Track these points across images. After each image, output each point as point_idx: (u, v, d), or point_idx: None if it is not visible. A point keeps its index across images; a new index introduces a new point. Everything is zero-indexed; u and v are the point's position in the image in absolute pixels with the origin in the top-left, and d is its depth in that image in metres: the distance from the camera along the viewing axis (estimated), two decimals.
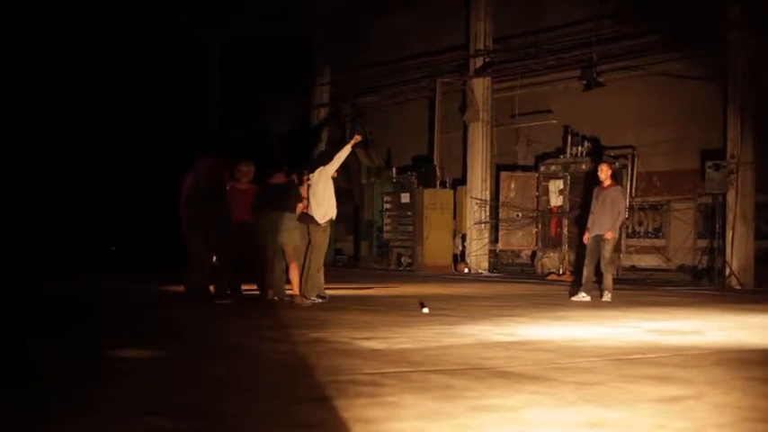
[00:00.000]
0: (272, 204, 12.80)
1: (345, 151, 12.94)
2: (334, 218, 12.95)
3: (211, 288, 12.77)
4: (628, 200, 21.52)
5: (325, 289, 13.04)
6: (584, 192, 21.20)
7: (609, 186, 14.19)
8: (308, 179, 13.15)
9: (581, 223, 16.40)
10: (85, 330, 9.09)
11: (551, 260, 22.34)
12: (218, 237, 12.62)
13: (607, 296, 13.86)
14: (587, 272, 14.15)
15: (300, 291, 12.56)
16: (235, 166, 13.35)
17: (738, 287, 18.48)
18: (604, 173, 14.24)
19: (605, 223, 13.95)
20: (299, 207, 12.97)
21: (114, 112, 27.35)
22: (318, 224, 12.77)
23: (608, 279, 14.04)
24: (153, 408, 4.87)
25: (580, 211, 19.22)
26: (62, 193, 25.63)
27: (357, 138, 13.52)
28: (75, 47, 26.61)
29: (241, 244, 12.86)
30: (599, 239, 13.97)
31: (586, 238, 14.29)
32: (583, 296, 13.85)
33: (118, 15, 26.92)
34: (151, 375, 6.15)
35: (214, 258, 12.80)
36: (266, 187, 13.04)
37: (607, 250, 13.96)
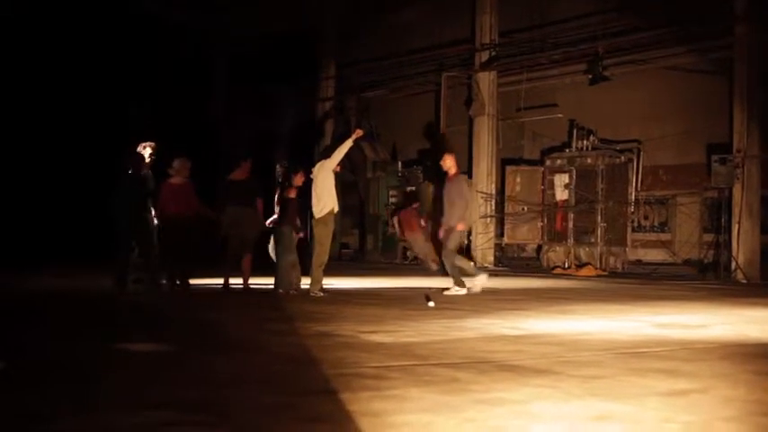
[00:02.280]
0: (234, 200, 13.17)
1: (346, 146, 12.97)
2: (335, 211, 12.96)
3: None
4: (634, 194, 21.57)
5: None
6: (589, 186, 21.23)
7: (452, 177, 13.79)
8: (310, 173, 13.26)
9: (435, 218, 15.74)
10: (90, 325, 9.10)
11: (557, 254, 22.33)
12: (140, 229, 13.16)
13: (456, 290, 13.43)
14: (463, 263, 13.89)
15: (246, 281, 13.41)
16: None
17: (744, 281, 18.46)
18: (447, 163, 13.85)
19: (452, 215, 13.56)
20: (259, 203, 13.60)
21: (117, 109, 27.30)
22: (316, 218, 12.87)
23: (452, 272, 13.60)
24: (160, 401, 4.86)
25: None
26: (64, 189, 25.61)
27: (358, 132, 13.48)
28: (76, 44, 26.58)
29: (171, 236, 13.33)
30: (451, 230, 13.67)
31: (441, 233, 13.92)
32: (477, 281, 13.60)
33: (119, 10, 26.87)
34: (157, 369, 6.15)
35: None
36: (228, 183, 13.43)
37: (451, 240, 13.60)
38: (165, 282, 13.33)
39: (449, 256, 13.63)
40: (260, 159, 14.58)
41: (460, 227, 13.63)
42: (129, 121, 26.41)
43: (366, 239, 26.78)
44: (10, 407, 4.75)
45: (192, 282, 13.63)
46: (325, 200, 12.78)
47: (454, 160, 13.94)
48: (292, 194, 13.41)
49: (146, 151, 13.56)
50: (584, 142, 22.08)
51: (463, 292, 13.41)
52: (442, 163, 13.99)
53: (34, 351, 6.98)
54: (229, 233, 13.45)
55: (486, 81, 24.16)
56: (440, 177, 14.26)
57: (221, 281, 13.54)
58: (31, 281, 15.26)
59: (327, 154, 13.42)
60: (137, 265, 13.69)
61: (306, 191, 13.41)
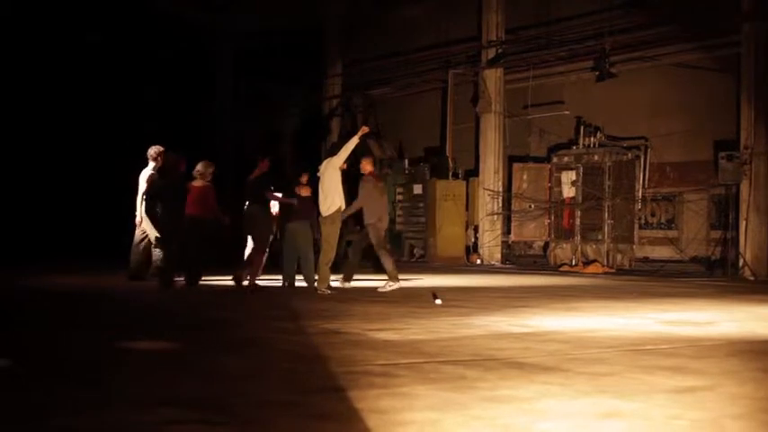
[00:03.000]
0: (250, 199, 13.71)
1: (353, 143, 12.97)
2: (342, 209, 12.97)
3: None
4: (641, 191, 21.57)
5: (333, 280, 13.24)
6: (595, 183, 21.20)
7: (364, 177, 13.91)
8: (317, 171, 13.33)
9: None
10: (97, 323, 9.11)
11: (564, 251, 22.31)
12: (170, 229, 13.34)
13: (387, 286, 13.48)
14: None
15: (252, 278, 13.27)
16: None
17: (752, 278, 18.42)
18: (363, 166, 14.02)
19: (367, 214, 13.70)
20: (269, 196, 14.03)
21: (122, 108, 27.31)
22: (323, 216, 12.90)
23: (386, 264, 13.62)
24: (167, 399, 4.87)
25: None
26: (74, 186, 25.63)
27: (365, 129, 13.48)
28: (79, 43, 26.59)
29: (188, 237, 13.49)
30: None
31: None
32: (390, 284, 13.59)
33: (124, 7, 26.89)
34: (164, 367, 6.15)
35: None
36: (246, 182, 13.74)
37: (372, 236, 13.71)
38: (179, 280, 13.44)
39: (377, 250, 13.84)
40: (265, 158, 14.66)
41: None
42: (135, 119, 26.46)
43: None
44: (15, 404, 4.76)
45: (201, 280, 13.74)
46: (332, 198, 12.79)
47: (370, 163, 14.10)
48: (306, 192, 13.62)
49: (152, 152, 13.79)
50: (591, 139, 22.05)
51: (396, 286, 13.42)
52: (361, 165, 14.17)
53: (39, 349, 6.99)
54: (245, 232, 13.64)
55: (492, 78, 24.14)
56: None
57: (231, 278, 13.64)
58: (37, 278, 15.27)
59: (334, 151, 13.48)
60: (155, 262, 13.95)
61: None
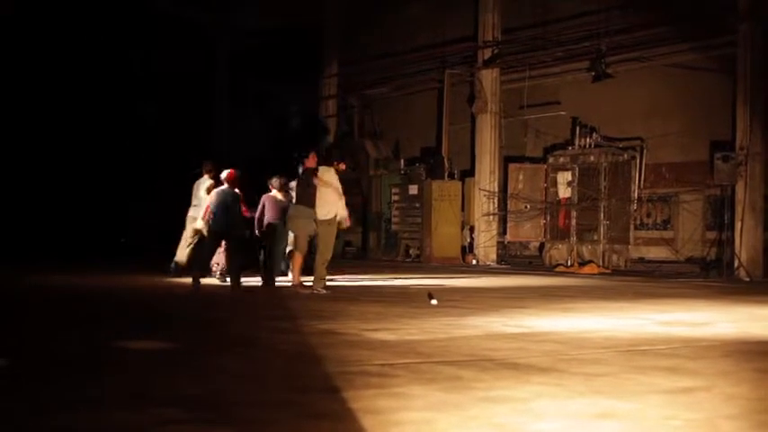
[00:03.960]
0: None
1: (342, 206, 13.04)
2: (339, 217, 12.91)
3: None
4: (637, 191, 21.64)
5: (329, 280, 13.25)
6: (591, 183, 21.21)
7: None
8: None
9: None
10: (96, 322, 9.11)
11: (559, 252, 22.34)
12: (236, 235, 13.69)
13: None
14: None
15: (295, 278, 13.21)
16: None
17: (747, 279, 18.46)
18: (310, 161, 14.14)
19: None
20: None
21: (123, 106, 27.32)
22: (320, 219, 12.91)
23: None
24: (164, 398, 4.87)
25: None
26: (73, 186, 25.62)
27: (341, 167, 13.35)
28: (78, 41, 26.58)
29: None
30: None
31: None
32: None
33: (122, 5, 26.90)
34: (161, 367, 6.15)
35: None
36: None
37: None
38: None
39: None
40: (261, 158, 14.77)
41: None
42: (136, 119, 26.48)
43: (369, 237, 26.81)
44: (12, 403, 4.76)
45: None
46: (329, 207, 12.77)
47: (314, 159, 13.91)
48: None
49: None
50: (587, 140, 22.09)
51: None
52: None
53: (38, 348, 6.99)
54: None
55: (488, 78, 24.17)
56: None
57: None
58: (37, 278, 15.26)
59: (331, 153, 13.46)
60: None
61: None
